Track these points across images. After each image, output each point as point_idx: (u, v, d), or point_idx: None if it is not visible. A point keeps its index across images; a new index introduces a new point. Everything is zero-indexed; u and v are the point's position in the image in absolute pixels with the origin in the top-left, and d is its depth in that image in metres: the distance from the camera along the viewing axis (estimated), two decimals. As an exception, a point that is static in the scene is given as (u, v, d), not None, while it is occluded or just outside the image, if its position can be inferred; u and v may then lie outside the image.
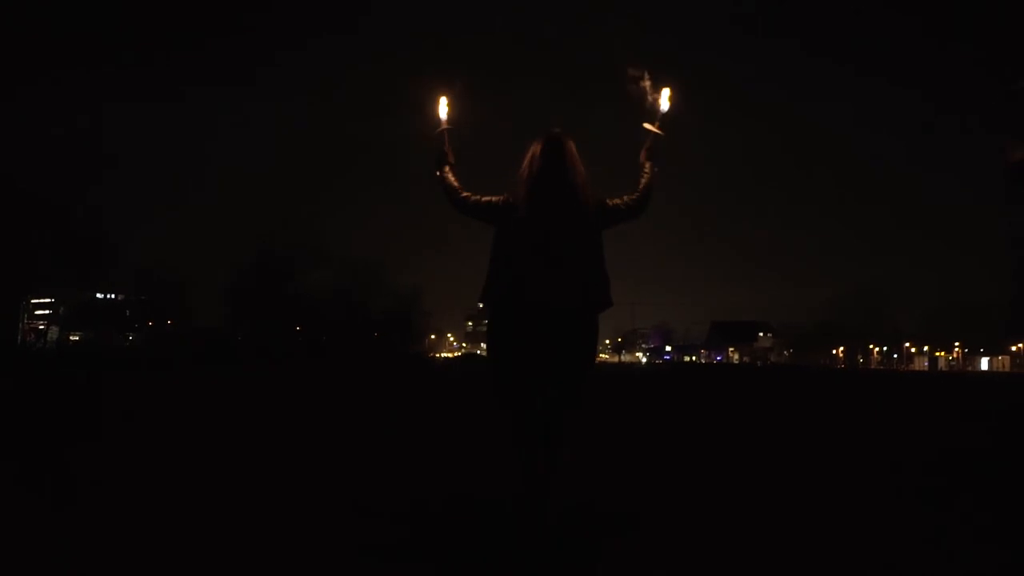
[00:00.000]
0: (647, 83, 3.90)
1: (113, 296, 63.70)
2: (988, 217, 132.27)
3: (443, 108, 3.87)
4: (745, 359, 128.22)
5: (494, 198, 3.62)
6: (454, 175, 3.75)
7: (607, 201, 3.66)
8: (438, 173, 3.76)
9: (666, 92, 3.89)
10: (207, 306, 56.82)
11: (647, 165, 3.82)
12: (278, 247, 50.40)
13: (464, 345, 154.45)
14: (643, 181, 3.79)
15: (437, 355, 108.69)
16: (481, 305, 3.64)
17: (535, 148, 3.59)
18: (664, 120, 3.89)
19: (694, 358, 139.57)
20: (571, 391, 3.54)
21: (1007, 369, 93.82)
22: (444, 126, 3.84)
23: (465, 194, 3.68)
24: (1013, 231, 33.65)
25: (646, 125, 3.87)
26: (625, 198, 3.71)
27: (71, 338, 55.68)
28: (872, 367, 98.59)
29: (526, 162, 3.59)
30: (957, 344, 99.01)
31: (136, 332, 62.05)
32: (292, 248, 50.40)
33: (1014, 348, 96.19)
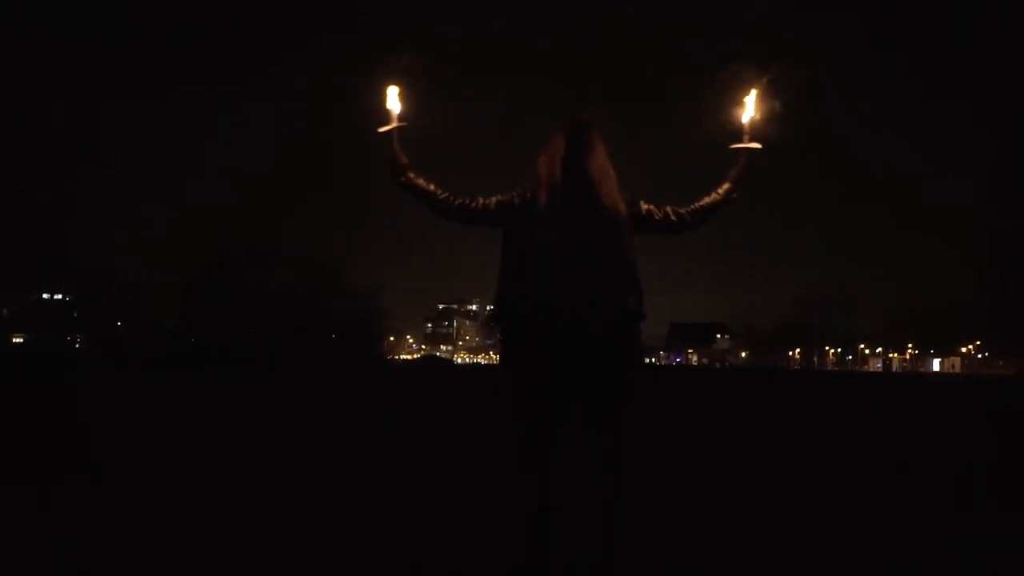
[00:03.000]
0: (758, 89, 3.22)
1: (61, 296, 61.93)
2: (955, 217, 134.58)
3: (393, 100, 3.17)
4: (704, 360, 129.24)
5: (504, 197, 3.05)
6: (424, 178, 3.09)
7: (640, 204, 3.08)
8: (402, 180, 3.09)
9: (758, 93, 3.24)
10: (165, 308, 55.30)
11: (726, 186, 3.21)
12: (239, 247, 49.29)
13: (423, 347, 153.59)
14: (708, 200, 3.18)
15: (396, 357, 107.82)
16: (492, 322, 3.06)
17: (558, 137, 3.03)
18: (761, 128, 3.24)
19: (653, 360, 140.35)
20: (611, 423, 2.95)
21: (958, 370, 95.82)
22: (394, 124, 3.13)
23: (458, 200, 3.07)
24: (989, 230, 34.15)
25: (744, 145, 3.23)
26: (669, 209, 3.11)
27: (14, 340, 53.94)
28: (828, 368, 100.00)
29: (546, 154, 3.03)
30: (910, 345, 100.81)
31: (84, 334, 60.29)
32: (251, 248, 49.25)
33: (964, 350, 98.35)
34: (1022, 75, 34.98)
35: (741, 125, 3.25)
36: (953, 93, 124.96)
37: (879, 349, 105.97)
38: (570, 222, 2.91)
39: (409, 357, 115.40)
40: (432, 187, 3.09)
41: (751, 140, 3.23)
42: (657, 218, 3.09)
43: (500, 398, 3.06)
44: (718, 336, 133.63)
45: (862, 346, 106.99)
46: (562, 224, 2.91)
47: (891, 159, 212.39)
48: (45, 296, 59.58)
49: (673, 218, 3.11)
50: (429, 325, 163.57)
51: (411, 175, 3.09)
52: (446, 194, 3.08)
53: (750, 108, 3.24)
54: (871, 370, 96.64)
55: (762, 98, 3.24)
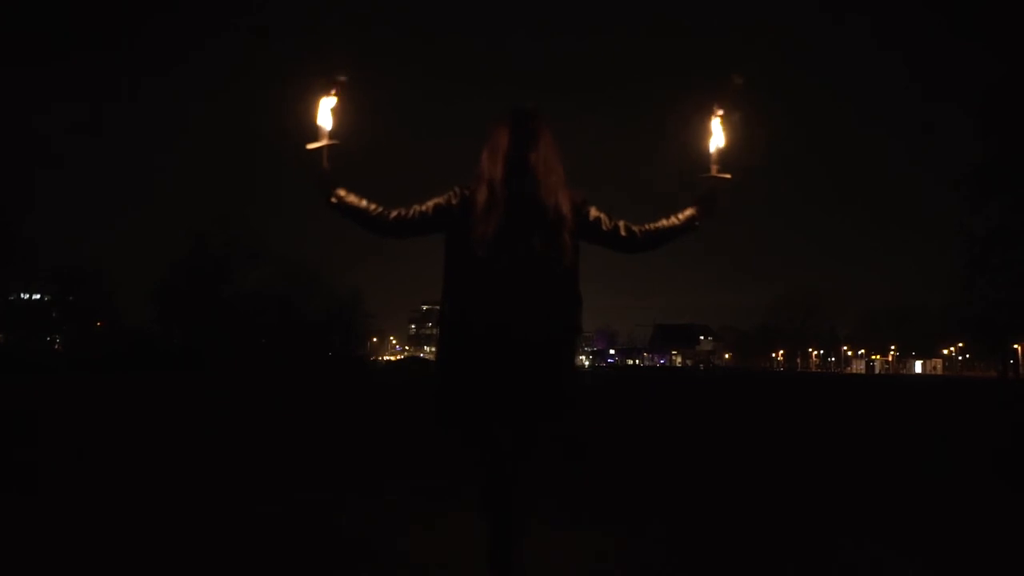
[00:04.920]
0: (721, 112, 3.03)
1: (38, 296, 61.09)
2: (944, 219, 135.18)
3: (325, 115, 2.90)
4: (688, 362, 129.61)
5: (441, 199, 2.82)
6: (356, 195, 2.84)
7: (590, 208, 2.87)
8: (333, 200, 2.82)
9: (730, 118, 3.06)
10: (139, 307, 54.54)
11: (689, 213, 2.97)
12: (214, 246, 48.63)
13: (407, 348, 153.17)
14: (667, 223, 2.95)
15: (380, 358, 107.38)
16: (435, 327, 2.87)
17: (501, 131, 2.81)
18: (730, 156, 3.03)
19: (637, 361, 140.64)
20: (532, 442, 2.76)
21: (940, 372, 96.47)
22: (324, 140, 2.87)
23: (394, 213, 2.82)
24: (970, 232, 34.29)
25: (713, 175, 3.02)
26: (622, 223, 2.89)
27: (-9, 341, 53.08)
28: (812, 370, 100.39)
29: (488, 147, 2.81)
30: (893, 347, 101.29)
31: (63, 335, 59.46)
32: (229, 247, 48.60)
33: (945, 351, 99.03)
34: (1005, 78, 35.05)
35: (709, 154, 3.04)
36: (952, 93, 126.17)
37: (861, 351, 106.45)
38: (508, 221, 2.70)
39: (392, 358, 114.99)
40: (365, 203, 2.83)
41: (720, 170, 3.02)
42: (605, 228, 2.87)
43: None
44: (702, 338, 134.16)
45: (845, 348, 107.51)
46: (500, 223, 2.70)
47: (881, 158, 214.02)
48: (24, 296, 58.74)
49: (623, 233, 2.88)
50: (412, 326, 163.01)
51: (341, 193, 2.83)
52: (380, 209, 2.83)
53: (718, 136, 3.04)
54: (855, 372, 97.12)
55: (730, 124, 3.04)
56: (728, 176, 3.02)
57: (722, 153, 3.02)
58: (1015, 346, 56.51)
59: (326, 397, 16.34)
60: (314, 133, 2.89)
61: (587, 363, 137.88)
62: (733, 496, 5.29)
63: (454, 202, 2.80)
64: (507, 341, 2.66)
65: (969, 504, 5.21)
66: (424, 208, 2.82)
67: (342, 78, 2.91)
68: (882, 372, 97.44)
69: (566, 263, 2.75)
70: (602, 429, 9.66)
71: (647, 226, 2.93)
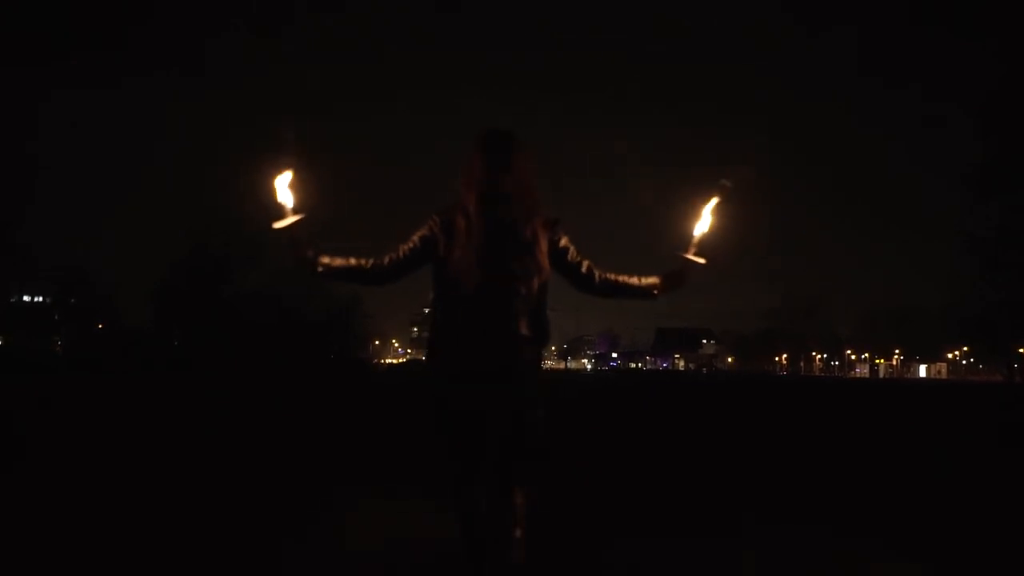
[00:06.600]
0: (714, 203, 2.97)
1: (40, 299, 61.19)
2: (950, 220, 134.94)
3: (285, 191, 2.78)
4: (691, 365, 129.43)
5: (424, 231, 2.82)
6: (341, 256, 2.81)
7: (561, 235, 2.86)
8: (320, 270, 2.79)
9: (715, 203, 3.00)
10: (139, 308, 54.37)
11: (652, 281, 2.95)
12: (214, 246, 48.39)
13: (409, 351, 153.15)
14: (626, 280, 2.93)
15: (382, 361, 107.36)
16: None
17: (474, 156, 2.81)
18: (710, 243, 2.99)
19: (640, 365, 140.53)
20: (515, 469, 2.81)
21: (944, 376, 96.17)
22: (290, 217, 2.76)
23: (388, 258, 2.82)
24: (970, 232, 34.05)
25: (689, 256, 2.97)
26: (586, 261, 2.89)
27: (-8, 342, 53.16)
28: (815, 374, 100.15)
29: (463, 176, 2.82)
30: (897, 351, 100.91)
31: (64, 336, 59.49)
32: (228, 247, 48.32)
33: (950, 355, 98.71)
34: (1005, 78, 34.88)
35: (691, 235, 3.00)
36: (952, 93, 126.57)
37: (865, 355, 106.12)
38: (485, 247, 2.72)
39: (395, 361, 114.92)
40: (353, 261, 2.82)
41: (697, 253, 2.99)
42: (570, 260, 2.87)
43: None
44: (704, 341, 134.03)
45: (849, 351, 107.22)
46: (476, 250, 2.72)
47: (881, 158, 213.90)
48: (25, 298, 58.79)
49: (584, 271, 2.88)
50: (415, 329, 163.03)
51: (325, 260, 2.80)
52: (371, 260, 2.83)
53: (704, 221, 2.99)
54: (859, 376, 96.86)
55: (719, 215, 3.00)
56: (703, 261, 2.98)
57: (703, 238, 2.98)
58: (1020, 350, 56.10)
59: (327, 399, 16.27)
60: (278, 212, 2.77)
61: (590, 367, 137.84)
62: (734, 505, 5.20)
63: (436, 230, 2.80)
64: (485, 361, 2.71)
65: (970, 506, 5.11)
66: (411, 244, 2.82)
67: (289, 147, 2.79)
68: (886, 376, 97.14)
69: (539, 286, 2.76)
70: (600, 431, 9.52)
71: (608, 275, 2.91)
